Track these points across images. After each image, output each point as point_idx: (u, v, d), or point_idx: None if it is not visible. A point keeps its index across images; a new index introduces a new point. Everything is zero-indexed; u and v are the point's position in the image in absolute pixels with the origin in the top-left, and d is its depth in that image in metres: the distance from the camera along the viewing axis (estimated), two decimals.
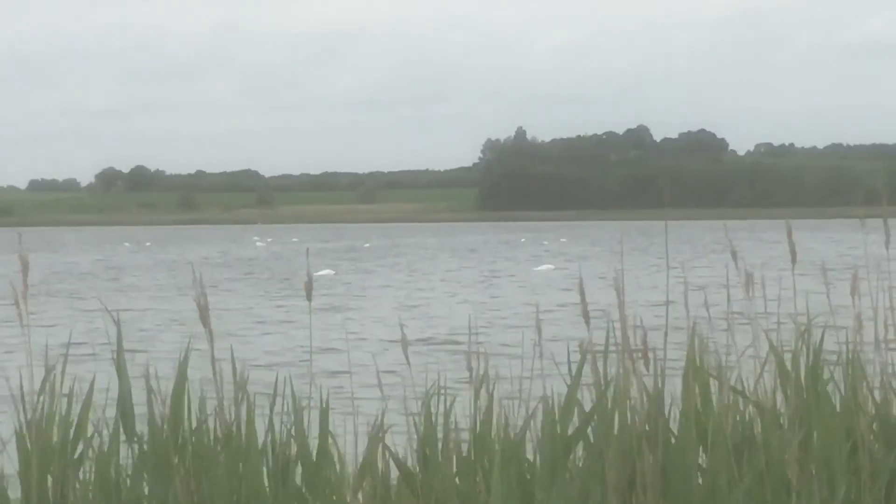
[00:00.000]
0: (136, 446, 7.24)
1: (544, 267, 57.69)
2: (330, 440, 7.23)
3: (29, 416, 7.21)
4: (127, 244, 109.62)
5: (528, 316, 30.51)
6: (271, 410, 7.23)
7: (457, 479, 7.19)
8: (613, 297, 7.34)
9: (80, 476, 7.23)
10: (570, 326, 7.36)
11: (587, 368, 7.22)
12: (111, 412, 7.31)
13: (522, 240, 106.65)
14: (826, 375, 7.35)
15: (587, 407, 7.18)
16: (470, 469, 7.20)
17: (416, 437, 7.27)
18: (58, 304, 38.82)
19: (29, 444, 7.19)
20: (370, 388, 8.13)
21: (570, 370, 7.24)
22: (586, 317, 7.39)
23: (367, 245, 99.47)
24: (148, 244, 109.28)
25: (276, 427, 7.24)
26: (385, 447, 7.28)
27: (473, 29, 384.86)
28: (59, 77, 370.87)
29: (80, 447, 7.26)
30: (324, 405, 7.24)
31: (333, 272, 50.46)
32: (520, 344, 7.45)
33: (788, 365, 7.34)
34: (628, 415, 7.14)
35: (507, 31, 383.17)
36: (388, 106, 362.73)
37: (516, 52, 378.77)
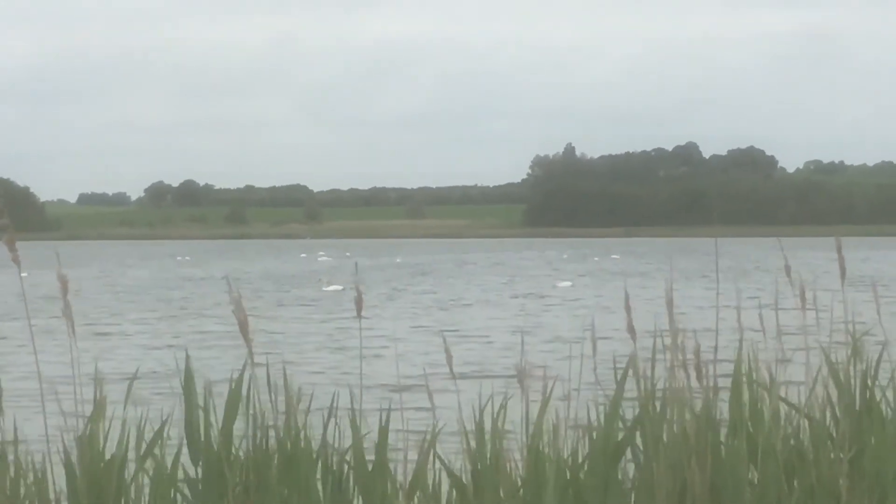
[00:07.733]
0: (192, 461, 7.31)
1: (564, 283, 57.88)
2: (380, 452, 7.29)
3: (79, 434, 7.22)
4: (188, 258, 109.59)
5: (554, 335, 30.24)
6: (325, 427, 7.30)
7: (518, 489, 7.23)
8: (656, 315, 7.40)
9: (138, 494, 7.28)
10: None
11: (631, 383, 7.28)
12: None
13: (564, 256, 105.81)
14: (878, 391, 7.36)
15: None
16: (523, 482, 7.25)
17: (467, 450, 7.31)
18: (123, 322, 38.59)
19: (78, 464, 7.18)
20: (416, 402, 8.16)
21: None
22: (632, 332, 7.46)
23: (399, 260, 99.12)
24: (188, 258, 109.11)
25: (329, 440, 7.31)
26: (439, 459, 7.33)
27: (524, 46, 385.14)
28: (109, 92, 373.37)
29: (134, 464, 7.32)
30: (382, 424, 7.30)
31: (341, 287, 50.44)
32: (564, 361, 7.50)
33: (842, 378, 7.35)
34: (676, 429, 7.17)
35: (557, 49, 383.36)
36: (438, 121, 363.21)
37: (566, 68, 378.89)
